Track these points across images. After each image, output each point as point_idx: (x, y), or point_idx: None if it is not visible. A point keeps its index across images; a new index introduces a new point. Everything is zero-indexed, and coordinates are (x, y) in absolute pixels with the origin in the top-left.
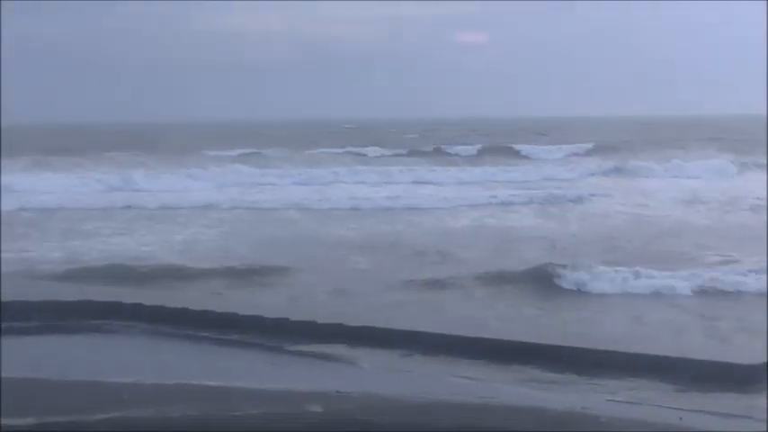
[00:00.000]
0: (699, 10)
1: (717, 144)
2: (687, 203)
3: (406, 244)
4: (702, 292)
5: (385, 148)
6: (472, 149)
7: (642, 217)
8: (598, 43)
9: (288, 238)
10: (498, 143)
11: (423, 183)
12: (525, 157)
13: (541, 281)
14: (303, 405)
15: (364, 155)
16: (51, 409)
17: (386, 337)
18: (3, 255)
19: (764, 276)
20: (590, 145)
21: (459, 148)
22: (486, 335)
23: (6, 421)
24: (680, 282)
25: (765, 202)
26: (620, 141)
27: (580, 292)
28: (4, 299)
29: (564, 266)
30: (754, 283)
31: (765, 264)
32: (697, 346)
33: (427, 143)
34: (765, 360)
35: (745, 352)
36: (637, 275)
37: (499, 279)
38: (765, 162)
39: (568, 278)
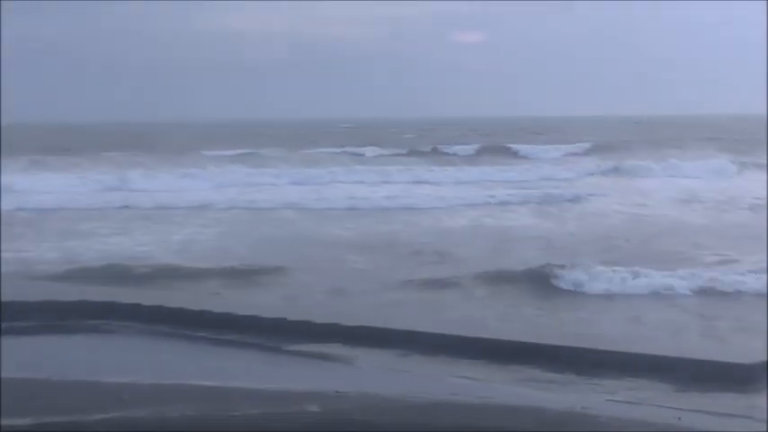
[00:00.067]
0: (699, 10)
1: (716, 144)
2: (685, 203)
3: (403, 244)
4: (701, 292)
5: (383, 148)
6: (470, 149)
7: (640, 217)
8: (598, 43)
9: (285, 238)
10: (497, 143)
11: (420, 182)
12: (523, 156)
13: (539, 281)
14: (301, 405)
15: (362, 155)
16: (50, 408)
17: (383, 337)
18: (1, 255)
19: (763, 276)
20: (588, 144)
21: (457, 148)
22: (484, 335)
23: (5, 421)
24: (678, 281)
25: (764, 202)
26: (618, 141)
27: (578, 292)
28: (2, 299)
29: (562, 266)
30: (753, 282)
31: (764, 263)
32: (696, 345)
33: (425, 143)
34: (764, 360)
35: (743, 352)
36: (635, 275)
37: (497, 279)
38: (764, 162)
39: (566, 278)
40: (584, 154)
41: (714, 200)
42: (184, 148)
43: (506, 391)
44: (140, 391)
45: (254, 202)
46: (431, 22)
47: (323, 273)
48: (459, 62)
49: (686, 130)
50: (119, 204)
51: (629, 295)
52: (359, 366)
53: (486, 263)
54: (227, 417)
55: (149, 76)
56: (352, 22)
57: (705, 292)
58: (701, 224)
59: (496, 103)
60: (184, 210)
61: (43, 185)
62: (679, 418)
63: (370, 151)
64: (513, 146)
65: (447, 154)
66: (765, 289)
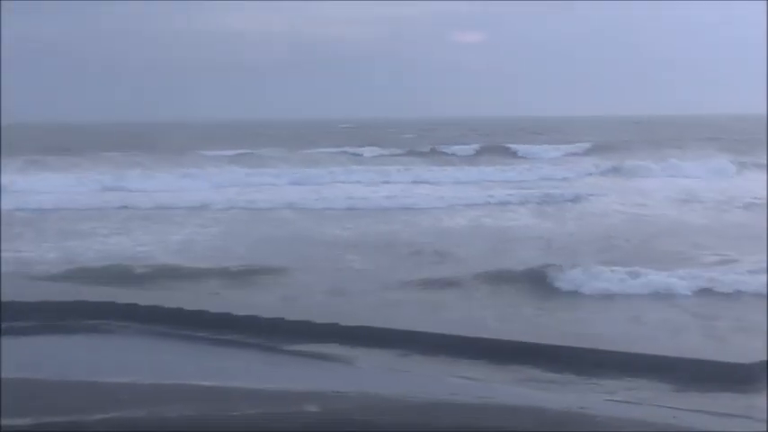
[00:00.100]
0: (699, 10)
1: (715, 144)
2: (685, 203)
3: (402, 244)
4: (700, 292)
5: (382, 148)
6: (470, 149)
7: (639, 217)
8: (598, 43)
9: (284, 238)
10: (496, 143)
11: (420, 182)
12: (523, 156)
13: (539, 281)
14: (300, 405)
15: (361, 155)
16: (48, 409)
17: (383, 337)
18: (1, 255)
19: (762, 276)
20: (588, 144)
21: (456, 148)
22: (483, 335)
23: (3, 421)
24: (678, 281)
25: (763, 202)
26: (618, 141)
27: (577, 292)
28: (1, 299)
29: (561, 266)
30: (752, 282)
31: (763, 263)
32: (695, 346)
33: (424, 143)
34: (763, 360)
35: (743, 352)
36: (634, 275)
37: (496, 279)
38: (764, 162)
39: (566, 278)
40: (584, 154)
41: (714, 200)
42: (184, 148)
43: (506, 391)
44: (139, 391)
45: (253, 202)
46: (431, 22)
47: (322, 273)
48: (459, 62)
49: (686, 130)
50: (118, 204)
51: (628, 295)
52: (358, 366)
53: (486, 263)
54: (227, 417)
55: (149, 76)
56: (352, 22)
57: (704, 292)
58: (700, 224)
59: (496, 103)
60: (183, 210)
61: (42, 185)
62: (674, 417)
63: (369, 151)
64: (513, 146)
65: (446, 154)
66: (764, 289)
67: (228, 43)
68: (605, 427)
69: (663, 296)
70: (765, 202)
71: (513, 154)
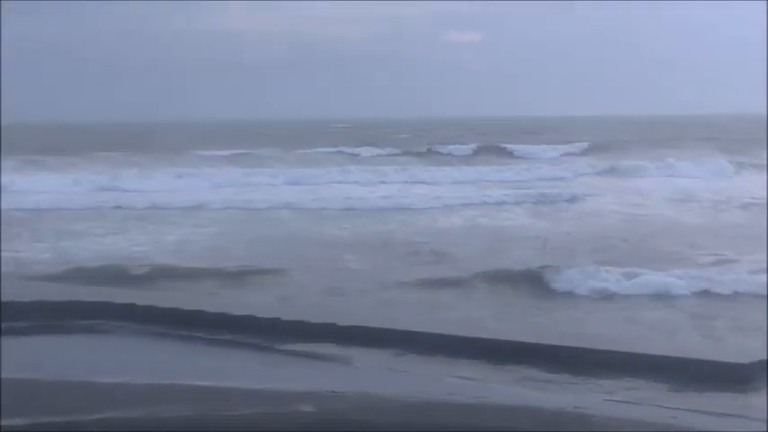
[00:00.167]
0: (699, 10)
1: (713, 144)
2: (682, 203)
3: (399, 243)
4: (698, 292)
5: (379, 148)
6: (467, 149)
7: (636, 217)
8: (598, 43)
9: (280, 238)
10: (494, 143)
11: (416, 182)
12: (520, 156)
13: (535, 281)
14: (297, 405)
15: (357, 155)
16: (45, 409)
17: (379, 337)
18: (1, 255)
19: (759, 276)
20: (585, 144)
21: (452, 148)
22: (480, 335)
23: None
24: (675, 281)
25: (760, 202)
26: (615, 141)
27: (574, 292)
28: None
29: (557, 266)
30: (749, 282)
31: (760, 263)
32: (693, 345)
33: (421, 143)
34: (761, 359)
35: (741, 351)
36: (631, 275)
37: (493, 279)
38: (761, 162)
39: (562, 278)
40: (581, 154)
41: (710, 200)
42: (180, 148)
43: (504, 390)
44: (136, 391)
45: (249, 202)
46: (431, 22)
47: (319, 273)
48: (458, 62)
49: (684, 130)
50: (114, 204)
51: (625, 295)
52: (355, 366)
53: (482, 263)
54: (223, 417)
55: (149, 76)
56: (352, 22)
57: (701, 292)
58: (697, 224)
59: (496, 104)
60: (179, 210)
61: (38, 185)
62: (674, 417)
63: (365, 151)
64: (510, 146)
65: (442, 154)
66: (762, 289)
67: (228, 43)
68: (603, 427)
69: (660, 296)
70: (762, 201)
71: (510, 154)
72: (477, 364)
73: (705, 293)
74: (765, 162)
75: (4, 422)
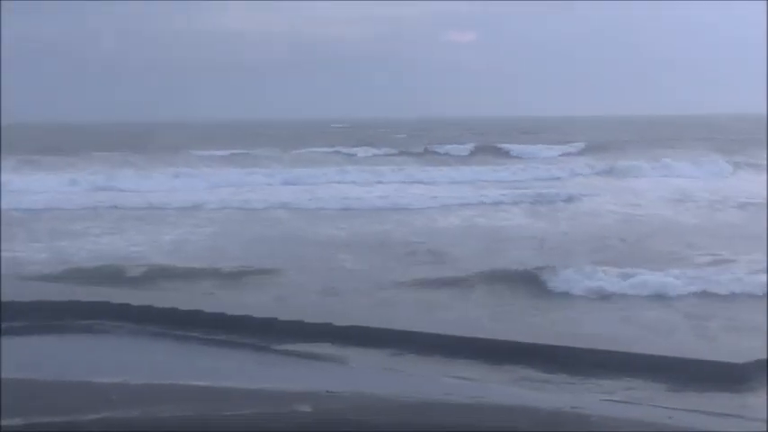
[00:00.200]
0: (699, 10)
1: (710, 144)
2: (679, 203)
3: (395, 243)
4: (694, 292)
5: (376, 148)
6: (464, 149)
7: (633, 216)
8: (598, 43)
9: (277, 238)
10: (491, 143)
11: (413, 182)
12: (517, 156)
13: (532, 281)
14: (293, 405)
15: (354, 155)
16: (41, 409)
17: (376, 337)
18: (1, 255)
19: (756, 276)
20: (582, 144)
21: (450, 148)
22: (477, 334)
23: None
24: (672, 281)
25: (757, 201)
26: (613, 141)
27: (571, 292)
28: None
29: (555, 266)
30: (746, 282)
31: (757, 264)
32: (690, 345)
33: (418, 143)
34: (759, 358)
35: (738, 351)
36: (628, 275)
37: (490, 279)
38: (757, 161)
39: (559, 278)
40: (579, 154)
41: (708, 199)
42: (178, 147)
43: (501, 390)
44: (132, 391)
45: (246, 202)
46: (431, 22)
47: (316, 273)
48: (458, 62)
49: (682, 130)
50: (111, 204)
51: (622, 295)
52: (352, 366)
53: (479, 263)
54: (220, 417)
55: (149, 76)
56: (352, 22)
57: (699, 293)
58: (694, 224)
59: (496, 104)
60: (176, 210)
61: (35, 185)
62: (670, 417)
63: (362, 151)
64: (507, 146)
65: (439, 154)
66: (759, 289)
67: (228, 43)
68: (600, 427)
69: (657, 296)
70: (759, 201)
71: (507, 154)
72: (474, 364)
73: (702, 293)
74: (762, 162)
75: (4, 422)
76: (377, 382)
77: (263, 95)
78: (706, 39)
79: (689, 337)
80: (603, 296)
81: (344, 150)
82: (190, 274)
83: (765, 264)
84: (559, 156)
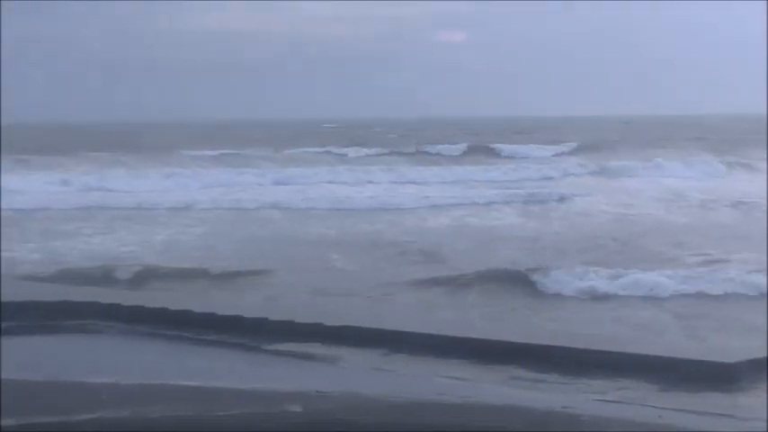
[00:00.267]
0: (699, 10)
1: (703, 144)
2: (671, 203)
3: (387, 243)
4: (686, 292)
5: (367, 148)
6: (457, 149)
7: (626, 216)
8: (598, 43)
9: (268, 238)
10: (483, 143)
11: (404, 182)
12: (509, 156)
13: (524, 281)
14: (284, 405)
15: (345, 155)
16: (35, 409)
17: (367, 337)
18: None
19: (748, 276)
20: (575, 144)
21: (441, 148)
22: (469, 334)
23: None
24: (664, 281)
25: (750, 201)
26: (606, 141)
27: (562, 292)
28: None
29: (546, 266)
30: (738, 282)
31: (749, 263)
32: (681, 345)
33: (410, 143)
34: (750, 358)
35: (729, 351)
36: (620, 275)
37: (481, 279)
38: (751, 161)
39: (551, 278)
40: (571, 154)
41: (700, 199)
42: (171, 147)
43: (493, 390)
44: (123, 391)
45: (237, 202)
46: (430, 22)
47: (307, 273)
48: (458, 62)
49: (677, 130)
50: (102, 204)
51: (614, 295)
52: (342, 366)
53: (471, 263)
54: (211, 417)
55: (148, 76)
56: (352, 22)
57: (691, 292)
58: (686, 224)
59: (495, 104)
60: (168, 210)
61: (28, 185)
62: (659, 417)
63: (353, 151)
64: (499, 146)
65: (430, 154)
66: (751, 289)
67: (227, 43)
68: (592, 427)
69: (649, 296)
70: (751, 201)
71: (499, 154)
72: (466, 364)
73: (694, 293)
74: (755, 162)
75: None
76: (368, 382)
77: (260, 95)
78: (706, 39)
79: (680, 337)
80: (595, 296)
81: (336, 150)
82: (181, 275)
83: (758, 264)
84: (552, 156)
